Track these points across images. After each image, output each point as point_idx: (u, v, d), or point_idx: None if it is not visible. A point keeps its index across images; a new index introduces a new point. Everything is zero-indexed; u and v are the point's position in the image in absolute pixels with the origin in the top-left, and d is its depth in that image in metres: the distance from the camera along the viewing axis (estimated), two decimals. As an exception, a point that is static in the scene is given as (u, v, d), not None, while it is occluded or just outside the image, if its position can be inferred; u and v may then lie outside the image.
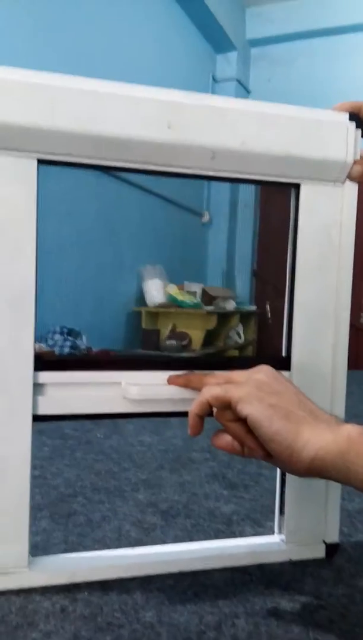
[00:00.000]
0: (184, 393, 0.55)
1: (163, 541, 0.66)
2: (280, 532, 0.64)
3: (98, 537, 0.66)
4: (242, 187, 3.85)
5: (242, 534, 0.69)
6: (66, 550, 0.62)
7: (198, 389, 0.52)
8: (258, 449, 0.48)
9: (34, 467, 0.54)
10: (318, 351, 0.61)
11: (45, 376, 0.53)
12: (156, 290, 2.85)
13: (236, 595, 0.53)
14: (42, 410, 0.54)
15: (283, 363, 0.60)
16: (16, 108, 0.49)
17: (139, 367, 0.56)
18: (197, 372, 0.56)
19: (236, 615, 0.50)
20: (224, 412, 0.48)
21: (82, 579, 0.55)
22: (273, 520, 0.67)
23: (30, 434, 0.53)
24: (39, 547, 0.62)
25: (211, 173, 0.57)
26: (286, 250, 0.62)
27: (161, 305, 2.84)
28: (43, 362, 0.53)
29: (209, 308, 3.03)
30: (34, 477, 0.83)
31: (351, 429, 0.44)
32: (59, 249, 2.22)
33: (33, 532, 0.65)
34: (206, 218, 3.70)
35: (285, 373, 0.58)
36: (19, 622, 0.48)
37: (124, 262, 2.79)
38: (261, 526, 0.71)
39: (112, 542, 0.65)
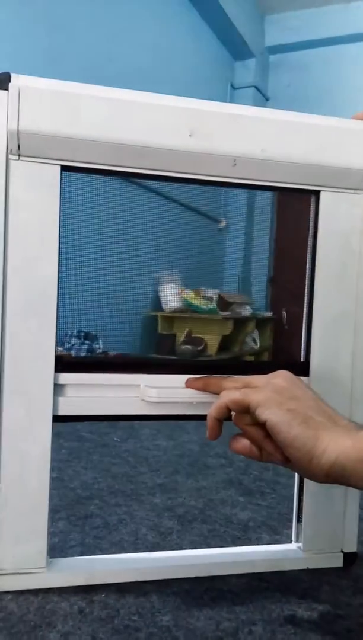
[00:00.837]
0: (203, 396, 0.55)
1: (180, 546, 0.66)
2: (297, 540, 0.63)
3: (115, 540, 0.66)
4: (259, 192, 3.85)
5: (259, 541, 0.68)
6: (82, 553, 0.63)
7: (216, 392, 0.52)
8: (277, 453, 0.47)
9: (51, 469, 0.55)
10: (338, 357, 0.60)
11: (65, 377, 0.54)
12: (172, 295, 2.86)
13: (253, 602, 0.53)
14: (62, 411, 0.54)
15: (301, 368, 0.60)
16: (41, 116, 0.50)
17: (158, 369, 0.57)
18: (215, 376, 0.56)
19: (253, 622, 0.50)
20: (242, 416, 0.48)
21: (99, 581, 0.55)
22: (290, 528, 0.66)
23: (50, 434, 0.54)
24: (56, 549, 0.63)
25: (231, 180, 0.57)
26: (304, 256, 0.62)
27: (177, 310, 2.85)
28: (63, 363, 0.54)
29: (225, 314, 3.03)
30: (51, 479, 0.84)
31: None
32: (77, 253, 2.25)
33: (51, 534, 0.66)
34: (223, 224, 3.71)
35: (304, 379, 0.58)
36: (37, 622, 0.48)
37: (141, 267, 2.81)
38: (278, 534, 0.71)
39: (129, 546, 0.65)
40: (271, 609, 0.52)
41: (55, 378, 0.54)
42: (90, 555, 0.62)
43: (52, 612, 0.50)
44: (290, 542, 0.65)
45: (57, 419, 0.54)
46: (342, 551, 0.63)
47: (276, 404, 0.46)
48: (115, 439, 1.18)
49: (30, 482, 0.54)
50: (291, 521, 0.65)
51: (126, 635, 0.47)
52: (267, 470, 0.99)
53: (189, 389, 0.56)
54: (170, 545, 0.66)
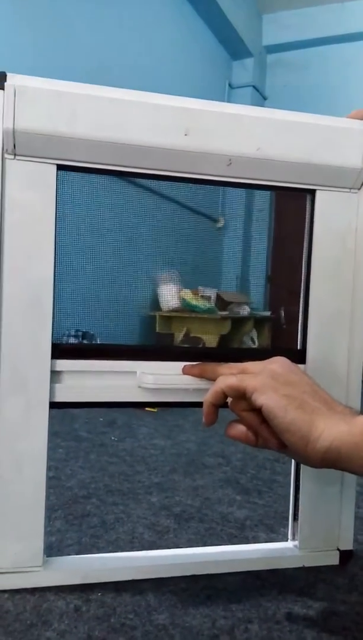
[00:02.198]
0: (199, 383, 0.55)
1: (176, 544, 0.66)
2: (293, 538, 0.64)
3: (112, 539, 0.67)
4: (257, 192, 3.85)
5: (255, 540, 0.69)
6: (79, 551, 0.63)
7: (212, 379, 0.52)
8: (272, 439, 0.48)
9: (48, 468, 0.55)
10: (334, 355, 0.61)
11: (62, 364, 0.54)
12: (170, 295, 2.86)
13: (249, 599, 0.54)
14: (59, 398, 0.54)
15: (298, 356, 0.60)
16: (38, 116, 0.50)
17: (155, 357, 0.57)
18: (212, 363, 0.56)
19: (249, 620, 0.50)
20: (239, 401, 0.49)
21: (95, 579, 0.56)
22: (286, 527, 0.67)
23: (47, 420, 0.54)
24: (53, 548, 0.63)
25: (227, 179, 0.57)
26: (301, 255, 0.62)
27: (175, 310, 2.85)
28: (60, 350, 0.54)
29: (224, 313, 3.03)
30: (48, 478, 0.84)
31: None
32: (74, 252, 2.25)
33: (48, 533, 0.66)
34: (220, 223, 3.71)
35: (301, 366, 0.58)
36: (33, 621, 0.48)
37: (139, 266, 2.81)
38: (275, 532, 0.71)
39: (125, 544, 0.65)
40: (267, 606, 0.52)
41: (52, 365, 0.54)
42: (87, 554, 0.62)
43: (48, 611, 0.50)
44: (287, 540, 0.65)
45: (53, 405, 0.54)
46: (337, 549, 0.63)
47: (272, 389, 0.46)
48: (112, 438, 1.18)
49: (27, 472, 0.54)
50: (287, 519, 0.65)
51: (122, 634, 0.47)
52: (264, 469, 0.99)
53: (185, 376, 0.56)
54: (167, 544, 0.66)
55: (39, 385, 0.53)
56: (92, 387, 0.55)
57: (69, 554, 0.61)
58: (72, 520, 0.72)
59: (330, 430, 0.44)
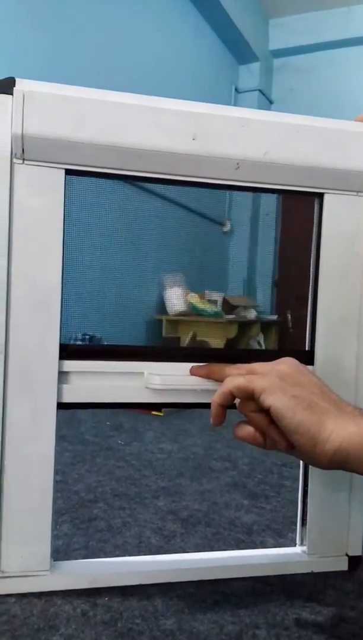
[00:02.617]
0: (207, 384, 0.55)
1: (183, 549, 0.66)
2: (301, 543, 0.63)
3: (119, 543, 0.66)
4: (263, 195, 3.85)
5: (263, 545, 0.68)
6: (86, 556, 0.63)
7: (220, 380, 0.51)
8: (281, 440, 0.47)
9: (55, 472, 0.55)
10: (342, 356, 0.60)
11: (70, 365, 0.54)
12: (176, 299, 2.86)
13: (257, 605, 0.53)
14: (67, 399, 0.54)
15: (306, 357, 0.60)
16: (46, 121, 0.50)
17: (162, 358, 0.57)
18: (220, 364, 0.56)
19: (256, 626, 0.50)
20: (247, 402, 0.48)
21: (102, 584, 0.55)
22: (294, 532, 0.66)
23: (54, 421, 0.54)
24: (60, 552, 0.63)
25: (235, 183, 0.57)
26: (308, 259, 0.62)
27: (181, 314, 2.85)
28: (68, 351, 0.54)
29: (230, 317, 3.02)
30: (55, 482, 0.84)
31: None
32: (82, 256, 2.25)
33: (55, 537, 0.66)
34: (227, 227, 3.71)
35: (309, 367, 0.58)
36: (41, 625, 0.48)
37: (146, 271, 2.81)
38: (283, 537, 0.71)
39: (132, 549, 0.65)
40: (275, 612, 0.52)
41: (59, 365, 0.54)
42: (94, 558, 0.62)
43: (55, 615, 0.50)
44: (295, 545, 0.64)
45: (61, 406, 0.54)
46: (346, 555, 0.62)
47: (280, 390, 0.46)
48: (119, 442, 1.18)
49: (34, 473, 0.54)
50: (295, 524, 0.64)
51: (129, 639, 0.47)
52: (272, 474, 0.99)
53: (193, 377, 0.56)
54: (174, 549, 0.66)
55: (46, 386, 0.53)
56: (99, 387, 0.55)
57: (76, 558, 0.61)
58: (79, 524, 0.72)
59: (339, 431, 0.44)
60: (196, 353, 0.58)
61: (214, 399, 0.50)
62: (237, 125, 0.55)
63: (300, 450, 0.46)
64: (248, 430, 0.50)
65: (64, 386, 0.54)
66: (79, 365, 0.55)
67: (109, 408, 0.57)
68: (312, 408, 0.45)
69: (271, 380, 0.47)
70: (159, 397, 0.56)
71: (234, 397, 0.49)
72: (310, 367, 0.59)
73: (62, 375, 0.54)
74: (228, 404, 0.49)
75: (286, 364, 0.49)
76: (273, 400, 0.46)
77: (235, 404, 0.50)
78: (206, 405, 0.52)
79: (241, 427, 0.50)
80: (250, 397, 0.48)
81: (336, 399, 0.48)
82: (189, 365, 0.56)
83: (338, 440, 0.44)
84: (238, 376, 0.49)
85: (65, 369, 0.54)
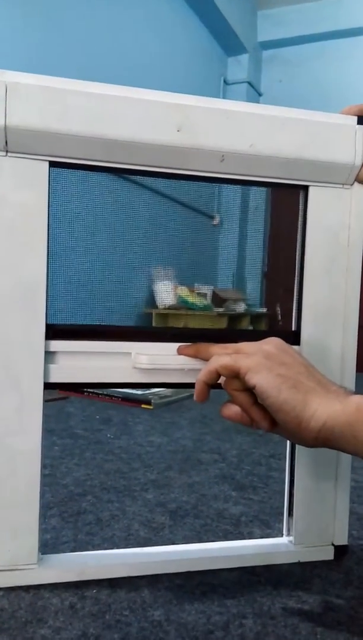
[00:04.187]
0: (194, 363, 0.55)
1: (172, 541, 0.66)
2: (288, 534, 0.64)
3: (107, 536, 0.67)
4: (253, 189, 3.85)
5: (251, 535, 0.69)
6: (75, 549, 0.63)
7: (207, 359, 0.52)
8: (262, 420, 0.48)
9: (44, 466, 0.55)
10: (327, 355, 0.61)
11: (56, 345, 0.54)
12: (166, 292, 2.86)
13: (244, 595, 0.54)
14: (53, 379, 0.54)
15: (292, 337, 0.61)
16: (29, 112, 0.50)
17: (150, 337, 0.57)
18: (207, 343, 0.56)
19: (243, 616, 0.50)
20: (232, 381, 0.49)
21: (90, 576, 0.56)
22: (281, 522, 0.67)
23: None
24: (48, 545, 0.63)
25: (220, 175, 0.57)
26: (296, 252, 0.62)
27: (171, 307, 2.85)
28: (55, 330, 0.54)
29: (220, 310, 3.03)
30: (44, 476, 0.84)
31: (360, 399, 0.44)
32: (70, 250, 2.24)
33: (43, 530, 0.66)
34: (216, 220, 3.71)
35: (295, 347, 0.59)
36: (28, 618, 0.48)
37: (135, 264, 2.80)
38: (270, 528, 0.71)
39: (121, 541, 0.65)
40: (262, 602, 0.53)
41: (46, 345, 0.54)
42: (82, 551, 0.62)
43: (43, 608, 0.50)
44: (282, 536, 0.65)
45: (48, 386, 0.54)
46: (332, 544, 0.63)
47: (266, 369, 0.46)
48: (108, 435, 1.18)
49: (21, 476, 0.54)
50: (282, 515, 0.65)
51: (117, 631, 0.47)
52: (260, 465, 1.00)
53: (180, 356, 0.56)
54: (162, 541, 0.66)
55: (33, 365, 0.53)
56: (86, 368, 0.55)
57: (64, 552, 0.61)
58: (67, 517, 0.72)
59: (324, 409, 0.44)
60: (183, 333, 0.58)
61: (200, 377, 0.50)
62: (222, 117, 0.55)
63: (285, 429, 0.47)
64: (234, 409, 0.51)
65: (51, 366, 0.54)
66: (66, 345, 0.55)
67: (96, 388, 0.57)
68: (297, 387, 0.46)
69: (257, 359, 0.47)
70: (146, 377, 0.56)
71: (219, 376, 0.49)
72: (295, 347, 0.59)
73: (49, 355, 0.54)
74: (212, 382, 0.50)
75: (272, 344, 0.50)
76: (259, 379, 0.46)
77: (219, 383, 0.50)
78: (193, 385, 0.52)
79: (228, 406, 0.51)
80: (235, 375, 0.48)
81: (321, 379, 0.48)
82: (177, 345, 0.56)
83: (322, 418, 0.44)
84: (224, 355, 0.49)
85: (52, 349, 0.54)
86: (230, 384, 0.49)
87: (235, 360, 0.48)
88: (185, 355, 0.56)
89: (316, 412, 0.45)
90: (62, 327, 0.55)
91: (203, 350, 0.55)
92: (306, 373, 0.48)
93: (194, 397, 0.51)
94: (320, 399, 0.45)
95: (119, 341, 0.56)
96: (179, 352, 0.56)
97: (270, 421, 0.48)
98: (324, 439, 0.45)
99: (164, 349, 0.56)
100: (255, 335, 0.55)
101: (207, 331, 0.59)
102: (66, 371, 0.55)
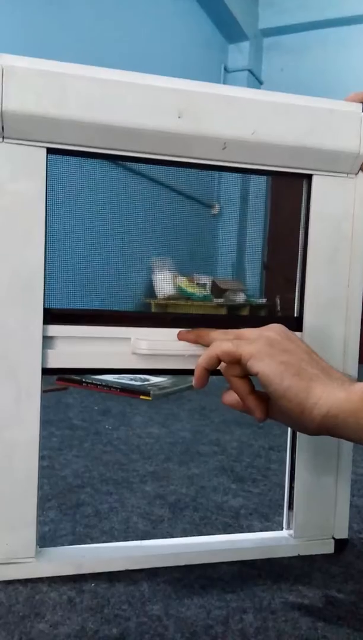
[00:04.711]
0: (194, 349, 0.55)
1: (171, 534, 0.65)
2: (288, 527, 0.63)
3: (106, 529, 0.66)
4: (253, 178, 3.82)
5: (250, 529, 0.68)
6: (73, 542, 0.62)
7: (207, 345, 0.51)
8: (257, 409, 0.48)
9: (42, 457, 0.54)
10: (329, 345, 0.60)
11: (55, 329, 0.53)
12: (165, 282, 2.84)
13: (243, 589, 0.53)
14: (51, 364, 0.53)
15: (295, 323, 0.60)
16: (27, 97, 0.48)
17: (149, 323, 0.56)
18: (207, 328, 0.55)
19: (243, 610, 0.50)
20: (232, 367, 0.48)
21: (89, 570, 0.55)
22: (281, 515, 0.66)
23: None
24: (47, 538, 0.63)
25: (222, 163, 0.56)
26: (298, 241, 0.61)
27: (170, 297, 2.83)
28: (53, 315, 0.53)
29: (219, 300, 3.02)
30: (42, 468, 0.83)
31: None
32: (68, 239, 2.22)
33: (41, 523, 0.66)
34: (216, 209, 3.68)
35: (297, 334, 0.58)
36: (26, 613, 0.48)
37: (133, 254, 2.79)
38: (270, 521, 0.71)
39: (119, 534, 0.65)
40: (262, 596, 0.52)
41: (44, 330, 0.53)
42: (81, 544, 0.61)
43: (41, 602, 0.49)
44: (282, 529, 0.64)
45: (46, 371, 0.53)
46: (333, 538, 0.63)
47: (268, 356, 0.46)
48: (107, 426, 1.17)
49: (18, 469, 0.53)
50: (282, 507, 0.64)
51: (115, 625, 0.46)
52: (259, 457, 0.99)
53: (181, 342, 0.55)
54: (161, 534, 0.65)
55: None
56: (85, 353, 0.54)
57: (63, 544, 0.61)
58: (66, 510, 0.71)
59: (328, 397, 0.43)
60: (183, 318, 0.57)
61: (200, 362, 0.49)
62: (224, 103, 0.53)
63: (288, 416, 0.46)
64: (235, 396, 0.50)
65: (49, 351, 0.53)
66: (64, 330, 0.54)
67: (95, 374, 0.56)
68: (300, 374, 0.45)
69: (259, 346, 0.46)
70: (145, 363, 0.55)
71: (219, 362, 0.49)
72: (298, 333, 0.58)
73: (47, 340, 0.53)
74: (212, 368, 0.49)
75: (275, 330, 0.49)
76: (261, 366, 0.45)
77: (219, 370, 0.49)
78: (193, 372, 0.51)
79: (229, 393, 0.50)
80: (236, 362, 0.47)
81: (324, 366, 0.47)
82: (177, 330, 0.56)
83: (326, 406, 0.43)
84: (225, 341, 0.48)
85: (50, 334, 0.53)
86: (229, 370, 0.48)
87: (236, 346, 0.47)
88: (185, 340, 0.55)
89: (319, 399, 0.44)
90: (61, 311, 0.54)
91: (203, 336, 0.54)
92: (309, 360, 0.47)
93: (193, 383, 0.51)
94: (323, 386, 0.44)
95: (119, 326, 0.55)
96: (180, 337, 0.55)
97: (264, 411, 0.48)
98: (327, 427, 0.44)
99: (164, 334, 0.55)
100: (257, 321, 0.54)
101: (208, 317, 0.58)
102: (64, 356, 0.54)
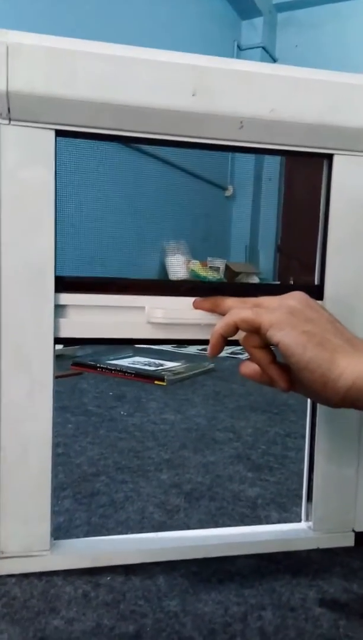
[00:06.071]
0: (211, 318, 0.53)
1: (187, 525, 0.64)
2: (307, 519, 0.62)
3: (121, 519, 0.65)
4: (267, 159, 3.75)
5: (268, 519, 0.67)
6: (88, 532, 0.61)
7: (224, 313, 0.49)
8: (282, 380, 0.46)
9: (57, 445, 0.53)
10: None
11: (67, 298, 0.52)
12: (178, 266, 2.82)
13: (262, 584, 0.52)
14: (64, 333, 0.52)
15: (315, 292, 0.57)
16: (34, 76, 0.46)
17: (165, 291, 0.54)
18: (225, 297, 0.53)
19: (262, 607, 0.48)
20: (251, 337, 0.46)
21: (104, 563, 0.54)
22: (299, 505, 0.65)
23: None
24: (62, 529, 0.62)
25: (238, 144, 0.53)
26: (312, 224, 0.58)
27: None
28: (65, 283, 0.52)
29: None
30: (57, 455, 0.82)
31: None
32: (80, 222, 2.20)
33: (56, 513, 0.65)
34: (229, 192, 3.63)
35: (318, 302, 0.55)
36: (41, 608, 0.47)
37: (146, 237, 2.76)
38: (287, 511, 0.70)
39: (135, 525, 0.64)
40: (281, 592, 0.51)
41: (55, 298, 0.51)
42: (96, 534, 0.61)
43: (56, 597, 0.49)
44: (300, 520, 0.63)
45: (58, 341, 0.52)
46: (353, 530, 0.61)
47: (290, 326, 0.43)
48: (122, 413, 1.16)
49: (32, 461, 0.52)
50: (300, 497, 0.63)
51: (131, 622, 0.46)
52: (275, 445, 0.98)
53: (197, 311, 0.53)
54: (177, 524, 0.64)
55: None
56: (98, 322, 0.53)
57: (78, 535, 0.60)
58: (81, 499, 0.71)
59: (353, 368, 0.41)
60: (199, 287, 0.55)
61: (216, 329, 0.47)
62: (241, 80, 0.50)
63: (310, 388, 0.44)
64: (253, 367, 0.48)
65: (61, 320, 0.52)
66: (77, 298, 0.52)
67: (109, 344, 0.54)
68: (324, 344, 0.43)
69: (281, 315, 0.44)
70: (161, 333, 0.53)
71: (237, 330, 0.47)
72: (319, 302, 0.56)
73: (59, 309, 0.52)
74: (229, 336, 0.47)
75: (296, 299, 0.46)
76: (282, 335, 0.43)
77: (235, 339, 0.48)
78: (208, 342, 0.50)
79: (246, 364, 0.49)
80: (256, 331, 0.45)
81: (349, 336, 0.45)
82: (193, 299, 0.54)
83: (351, 378, 0.41)
84: (245, 308, 0.46)
85: (62, 302, 0.52)
86: (249, 340, 0.46)
87: (256, 314, 0.45)
88: (202, 309, 0.53)
89: (345, 371, 0.42)
90: (73, 279, 0.52)
91: (221, 304, 0.51)
92: (333, 330, 0.45)
93: (208, 351, 0.49)
94: (348, 357, 0.42)
95: (133, 295, 0.53)
96: (196, 306, 0.53)
97: (288, 381, 0.46)
98: (352, 399, 0.42)
99: (180, 302, 0.53)
100: (276, 290, 0.51)
101: (225, 285, 0.56)
102: (77, 326, 0.52)
